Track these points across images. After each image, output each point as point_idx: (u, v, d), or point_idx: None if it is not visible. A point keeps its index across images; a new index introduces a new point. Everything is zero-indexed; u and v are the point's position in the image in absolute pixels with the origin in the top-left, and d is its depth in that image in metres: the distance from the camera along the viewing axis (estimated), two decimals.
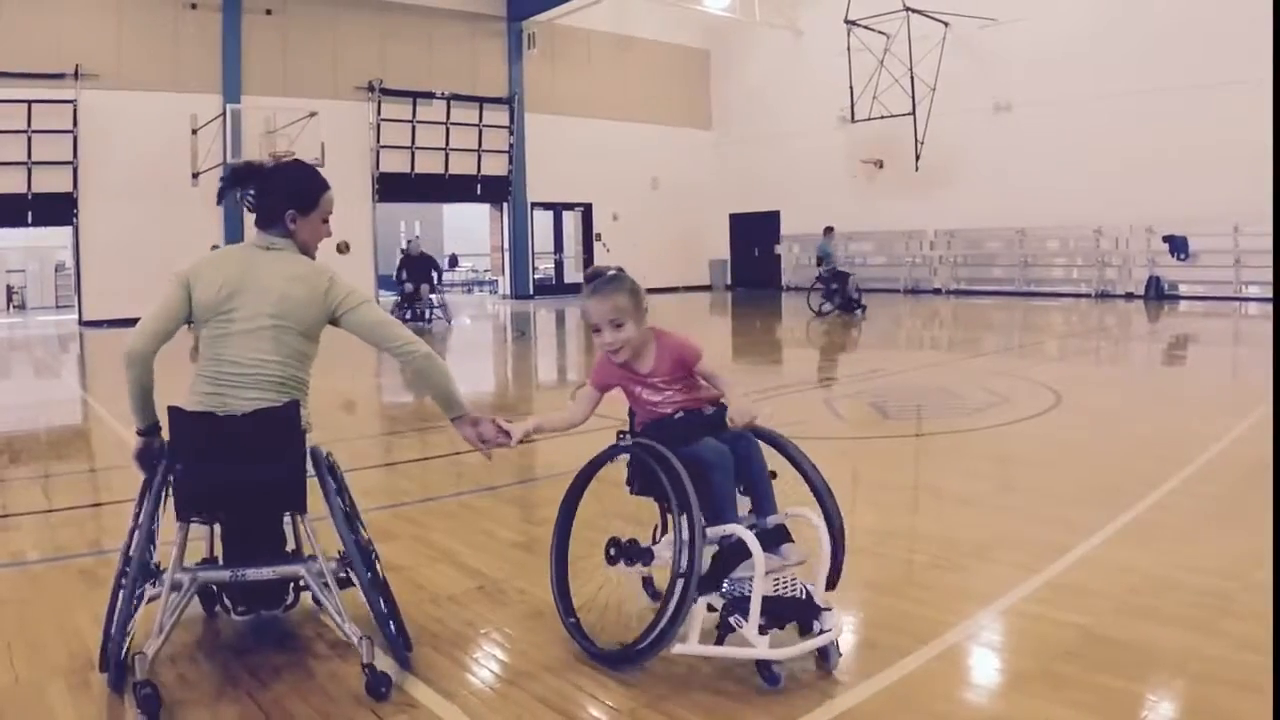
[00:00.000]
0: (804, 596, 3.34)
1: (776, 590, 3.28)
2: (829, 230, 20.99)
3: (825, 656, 3.24)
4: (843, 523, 3.55)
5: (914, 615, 3.71)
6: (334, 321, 3.45)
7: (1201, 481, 5.69)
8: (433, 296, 19.01)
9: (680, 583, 3.11)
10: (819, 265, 20.32)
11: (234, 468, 3.24)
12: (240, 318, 3.33)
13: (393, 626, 3.34)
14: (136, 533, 3.27)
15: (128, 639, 3.14)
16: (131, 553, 3.22)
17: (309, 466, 3.39)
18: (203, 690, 3.19)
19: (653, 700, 3.05)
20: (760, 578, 3.14)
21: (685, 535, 3.12)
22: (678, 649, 3.18)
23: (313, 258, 3.56)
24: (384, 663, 3.27)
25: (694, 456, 3.29)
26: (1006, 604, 3.81)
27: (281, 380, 3.34)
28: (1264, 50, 17.92)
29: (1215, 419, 7.67)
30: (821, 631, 3.24)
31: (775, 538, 3.34)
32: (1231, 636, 3.40)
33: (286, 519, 3.51)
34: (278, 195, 3.47)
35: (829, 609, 3.30)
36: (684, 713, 2.99)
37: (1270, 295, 19.67)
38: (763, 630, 3.12)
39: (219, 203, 3.66)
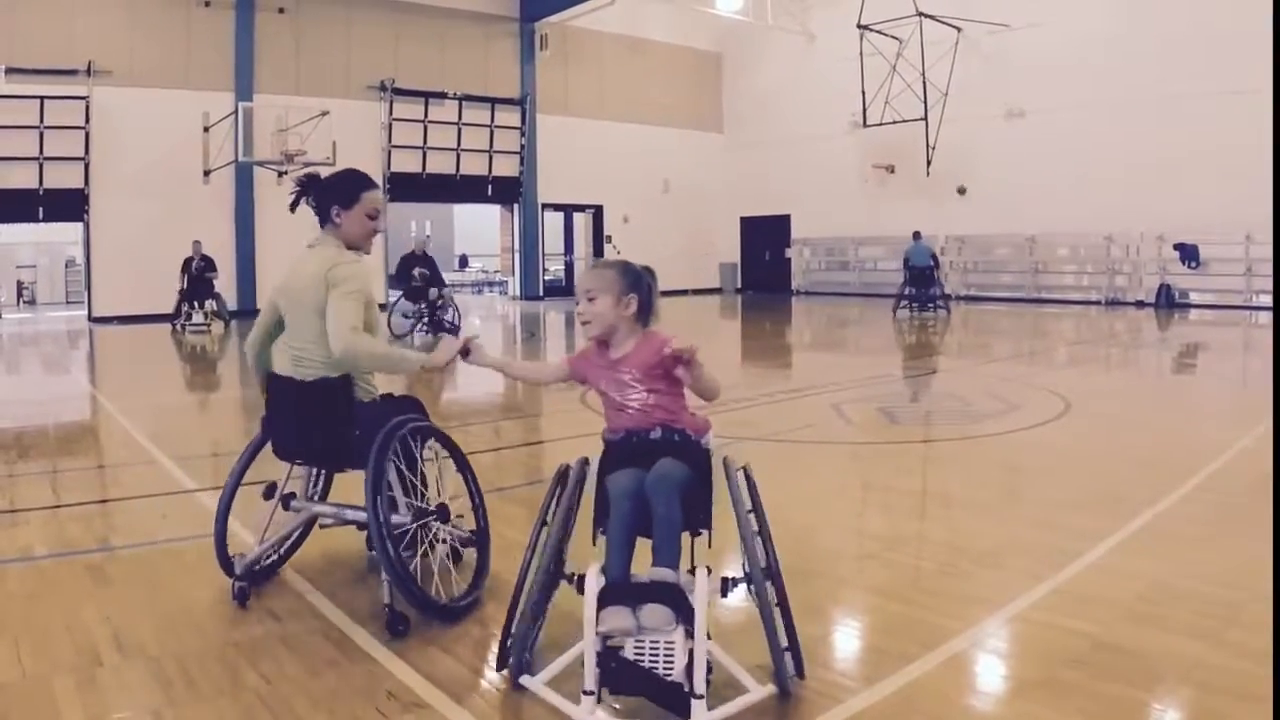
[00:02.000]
0: (674, 676, 2.89)
1: (638, 657, 2.93)
2: (917, 234, 21.26)
3: None
4: (785, 596, 3.14)
5: (921, 621, 3.70)
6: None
7: (1210, 490, 5.68)
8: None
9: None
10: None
11: (291, 424, 4.02)
12: (286, 308, 3.99)
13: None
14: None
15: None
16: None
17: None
18: (208, 687, 3.19)
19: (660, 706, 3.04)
20: (589, 631, 2.91)
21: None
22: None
23: (365, 251, 4.08)
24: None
25: (606, 488, 3.21)
26: (1013, 611, 3.80)
27: (326, 360, 3.84)
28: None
29: (1225, 428, 7.66)
30: None
31: (647, 594, 2.92)
32: (1238, 646, 3.38)
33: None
34: (326, 195, 4.00)
35: (700, 697, 2.82)
36: None
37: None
38: (588, 693, 2.89)
39: (292, 210, 4.07)
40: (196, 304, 18.51)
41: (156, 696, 3.12)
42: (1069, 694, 3.06)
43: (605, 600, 2.92)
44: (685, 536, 3.16)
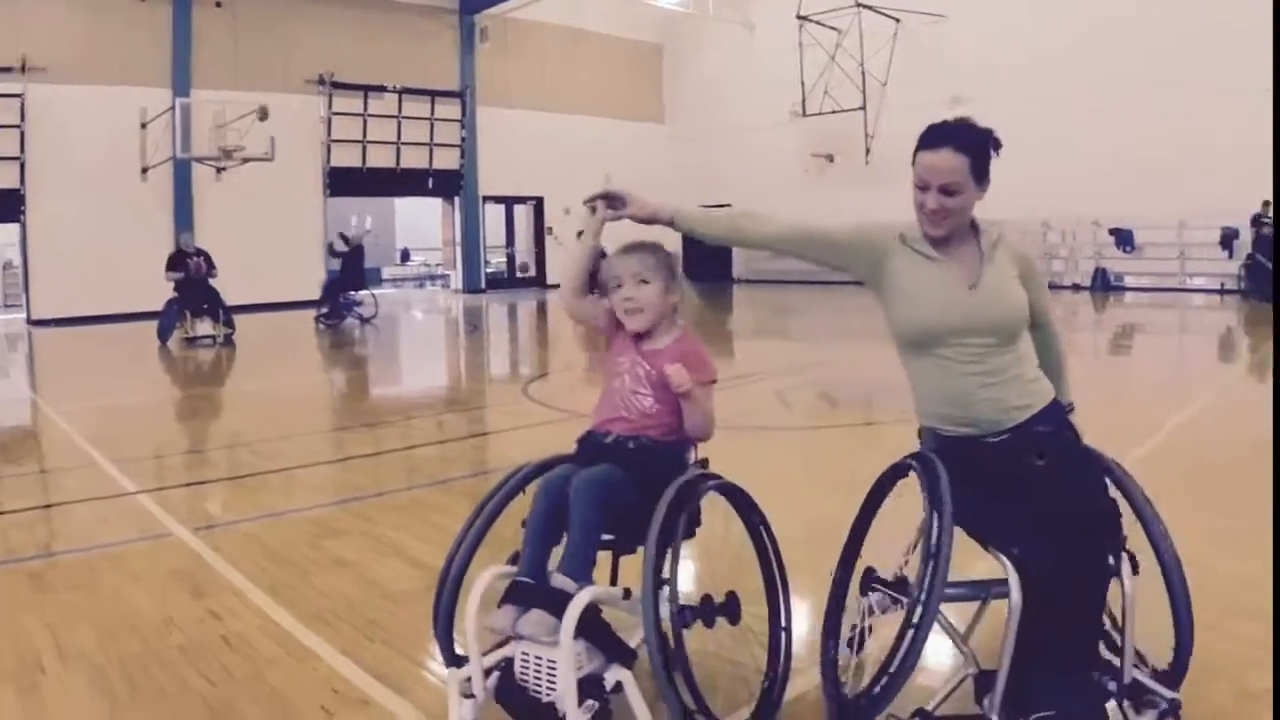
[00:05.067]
0: (552, 698, 2.58)
1: (521, 669, 2.66)
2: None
3: None
4: (786, 648, 3.06)
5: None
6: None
7: (1142, 469, 5.79)
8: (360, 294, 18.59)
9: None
10: None
11: None
12: None
13: None
14: None
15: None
16: None
17: None
18: (151, 691, 3.19)
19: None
20: (471, 627, 2.64)
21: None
22: None
23: (928, 230, 3.03)
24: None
25: None
26: None
27: None
28: (1210, 51, 18.29)
29: (1158, 406, 7.83)
30: None
31: (532, 598, 2.64)
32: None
33: None
34: None
35: None
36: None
37: (1214, 288, 20.16)
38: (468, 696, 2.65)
39: None
40: (201, 312, 15.30)
41: (99, 703, 3.12)
42: None
43: (504, 597, 2.67)
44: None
